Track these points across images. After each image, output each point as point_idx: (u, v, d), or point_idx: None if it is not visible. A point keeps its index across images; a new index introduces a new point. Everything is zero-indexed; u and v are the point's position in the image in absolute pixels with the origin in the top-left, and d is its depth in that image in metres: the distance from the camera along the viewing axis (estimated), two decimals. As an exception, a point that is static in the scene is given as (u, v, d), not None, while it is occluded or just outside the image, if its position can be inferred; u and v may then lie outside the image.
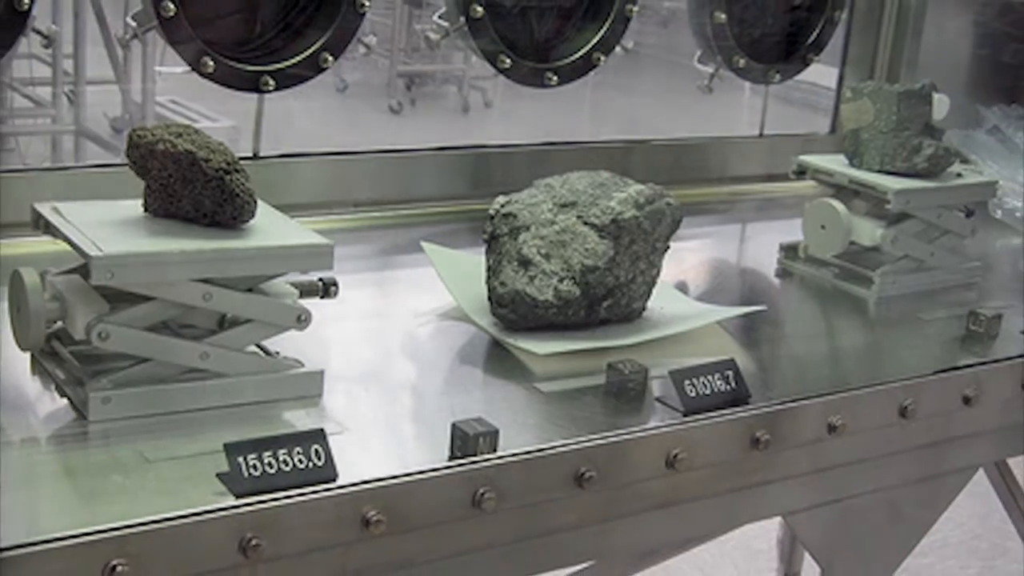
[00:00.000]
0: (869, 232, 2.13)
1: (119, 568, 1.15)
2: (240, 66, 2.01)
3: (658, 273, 1.84)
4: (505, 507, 1.37)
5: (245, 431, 1.32)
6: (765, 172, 2.67)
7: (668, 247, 1.85)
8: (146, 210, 1.50)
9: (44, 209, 1.49)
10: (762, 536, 3.56)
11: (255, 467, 1.26)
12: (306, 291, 1.55)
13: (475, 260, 1.84)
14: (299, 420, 1.45)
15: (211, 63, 1.97)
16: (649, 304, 1.85)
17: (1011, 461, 2.78)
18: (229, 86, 2.02)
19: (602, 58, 2.38)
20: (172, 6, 1.91)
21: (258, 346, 1.51)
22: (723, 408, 1.56)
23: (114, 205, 1.51)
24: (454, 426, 1.39)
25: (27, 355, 1.49)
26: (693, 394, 1.56)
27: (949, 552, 3.94)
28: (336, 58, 2.08)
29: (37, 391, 1.47)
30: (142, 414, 1.40)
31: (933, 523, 1.91)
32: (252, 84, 2.03)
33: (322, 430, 1.32)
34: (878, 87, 2.19)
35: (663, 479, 1.51)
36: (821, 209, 2.16)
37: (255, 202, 1.50)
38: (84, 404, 1.39)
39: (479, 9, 2.21)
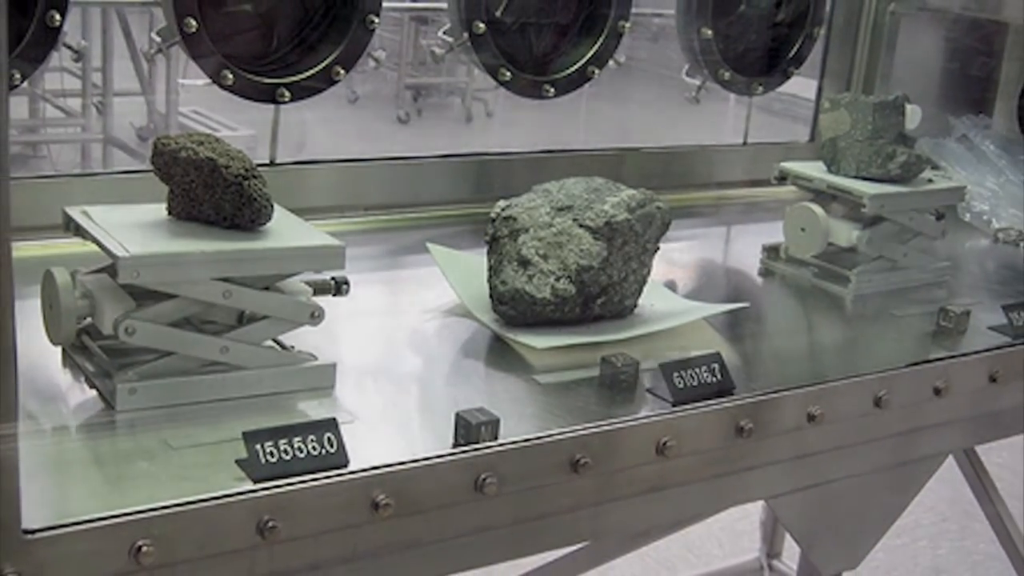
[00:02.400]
0: (846, 234, 2.13)
1: (144, 548, 1.15)
2: (258, 79, 2.01)
3: (649, 272, 1.84)
4: (505, 491, 1.37)
5: (262, 420, 1.32)
6: (749, 178, 2.67)
7: (658, 248, 1.85)
8: (169, 213, 1.50)
9: (74, 212, 1.49)
10: (746, 518, 3.56)
11: (272, 454, 1.26)
12: (319, 289, 1.55)
13: (477, 260, 1.83)
14: (313, 410, 1.45)
15: (231, 76, 1.97)
16: (640, 301, 1.85)
17: (978, 448, 2.78)
18: (247, 97, 2.02)
19: (596, 71, 2.37)
20: (194, 23, 1.90)
21: (275, 341, 1.51)
22: (710, 399, 1.56)
23: (139, 209, 1.51)
24: (458, 415, 1.38)
25: (58, 349, 1.49)
26: (681, 385, 1.56)
27: (921, 533, 3.94)
28: (347, 71, 2.08)
29: (68, 383, 1.46)
30: (166, 404, 1.40)
31: (906, 506, 1.91)
32: (269, 95, 2.03)
33: (334, 419, 1.32)
34: (854, 98, 2.19)
35: (653, 465, 1.51)
36: (801, 212, 2.16)
37: (272, 206, 1.50)
38: (112, 395, 1.39)
39: (481, 26, 2.21)
